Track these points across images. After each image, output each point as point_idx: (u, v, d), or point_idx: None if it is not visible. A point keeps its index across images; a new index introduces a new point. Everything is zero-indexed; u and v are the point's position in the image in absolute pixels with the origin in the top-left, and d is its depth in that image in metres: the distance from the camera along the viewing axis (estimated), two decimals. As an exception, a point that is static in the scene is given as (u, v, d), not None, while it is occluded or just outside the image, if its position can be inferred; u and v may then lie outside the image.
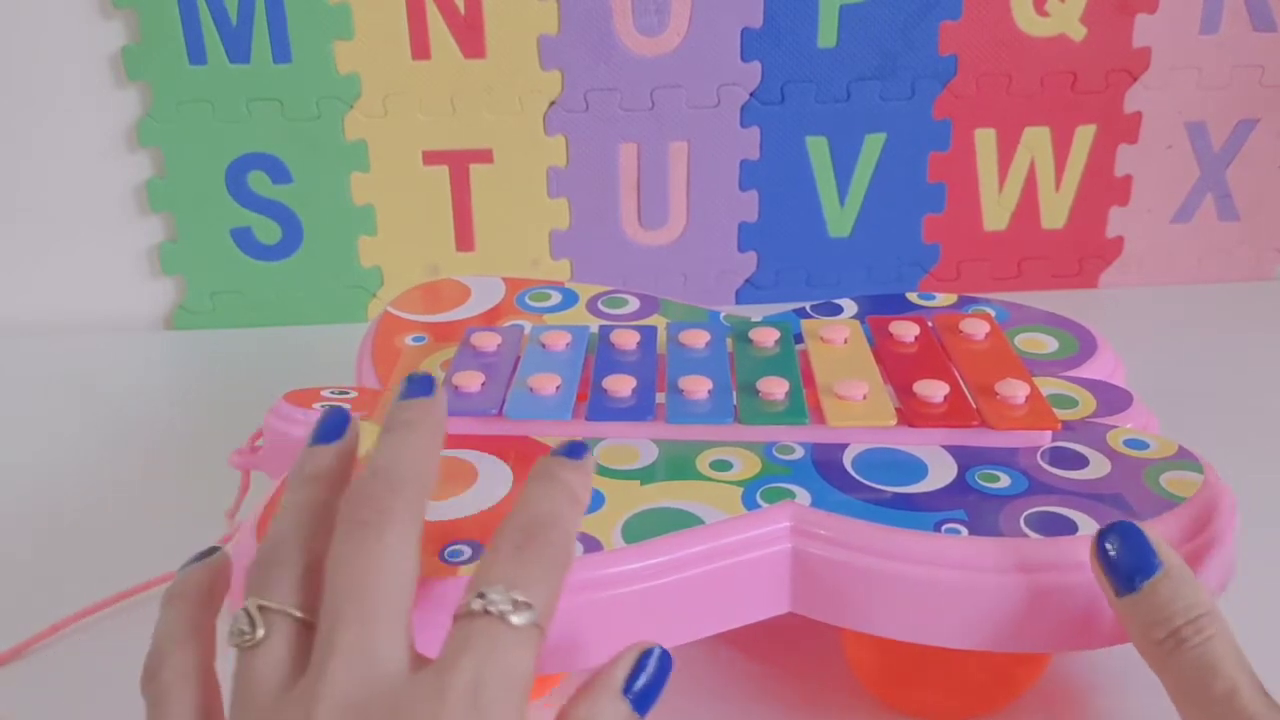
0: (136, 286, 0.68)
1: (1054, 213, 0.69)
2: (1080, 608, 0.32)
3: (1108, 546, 0.30)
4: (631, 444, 0.38)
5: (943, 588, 0.32)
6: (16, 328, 0.68)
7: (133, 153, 0.65)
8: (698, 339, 0.43)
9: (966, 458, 0.37)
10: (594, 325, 0.46)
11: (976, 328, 0.43)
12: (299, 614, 0.27)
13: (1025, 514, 0.34)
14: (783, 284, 0.70)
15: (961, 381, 0.40)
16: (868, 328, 0.44)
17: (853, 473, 0.36)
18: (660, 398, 0.40)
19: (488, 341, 0.43)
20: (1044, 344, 0.44)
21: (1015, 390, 0.38)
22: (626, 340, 0.43)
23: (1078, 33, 0.64)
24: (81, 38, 0.62)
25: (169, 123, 0.64)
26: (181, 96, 0.63)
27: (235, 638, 0.27)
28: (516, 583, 0.26)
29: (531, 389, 0.40)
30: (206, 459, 0.50)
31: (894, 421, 0.37)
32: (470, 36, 0.63)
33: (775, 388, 0.39)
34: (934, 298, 0.48)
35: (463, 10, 0.62)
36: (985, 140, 0.67)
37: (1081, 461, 0.36)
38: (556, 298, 0.49)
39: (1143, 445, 0.37)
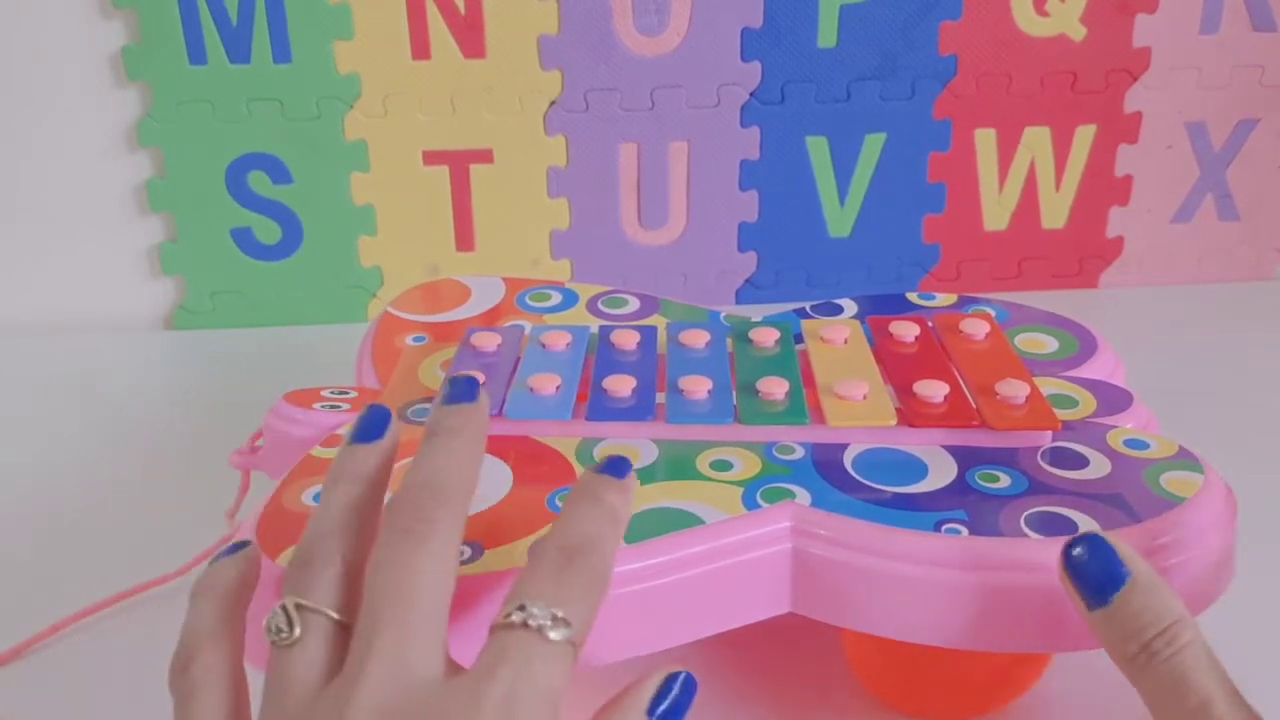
0: (136, 286, 0.68)
1: (1054, 213, 0.69)
2: (1080, 608, 0.32)
3: (1074, 559, 0.30)
4: (632, 444, 0.38)
5: (943, 588, 0.32)
6: (16, 328, 0.68)
7: (133, 153, 0.65)
8: (698, 339, 0.43)
9: (966, 458, 0.37)
10: (594, 325, 0.46)
11: (977, 328, 0.43)
12: (336, 615, 0.27)
13: (1025, 514, 0.34)
14: (783, 284, 0.70)
15: (961, 381, 0.40)
16: (868, 328, 0.44)
17: (853, 473, 0.36)
18: (660, 398, 0.40)
19: (488, 341, 0.43)
20: (1044, 344, 0.44)
21: (1015, 390, 0.38)
22: (626, 340, 0.43)
23: (1078, 33, 0.64)
24: (81, 38, 0.62)
25: (169, 123, 0.64)
26: (181, 96, 0.63)
27: (271, 635, 0.27)
28: (557, 600, 0.26)
29: (532, 389, 0.40)
30: (206, 459, 0.50)
31: (894, 421, 0.37)
32: (470, 36, 0.63)
33: (775, 388, 0.39)
34: (934, 298, 0.48)
35: (463, 10, 0.62)
36: (985, 140, 0.67)
37: (1082, 461, 0.36)
38: (556, 298, 0.49)
39: (1143, 445, 0.37)
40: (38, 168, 0.66)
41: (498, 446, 0.38)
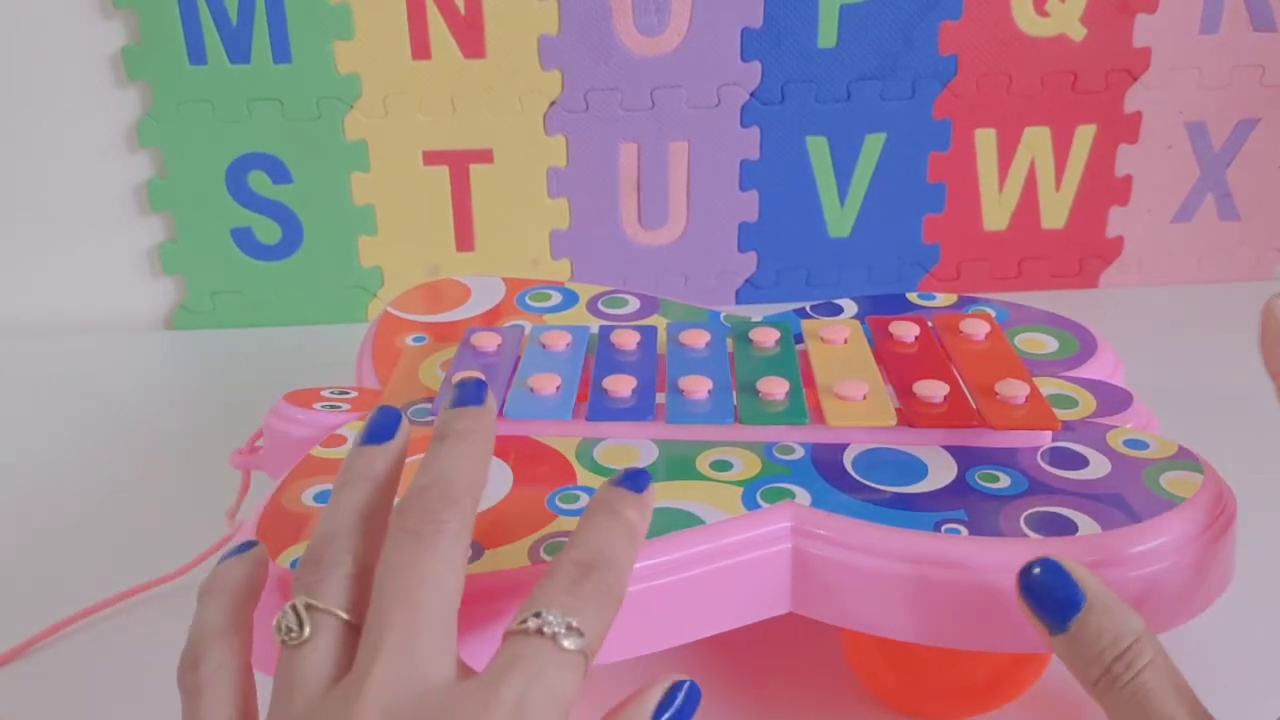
0: (136, 286, 0.68)
1: (1054, 213, 0.69)
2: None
3: (1029, 585, 0.30)
4: (632, 444, 0.38)
5: (943, 588, 0.32)
6: (16, 328, 0.68)
7: (133, 153, 0.65)
8: (698, 339, 0.43)
9: (966, 458, 0.37)
10: (594, 325, 0.46)
11: (976, 328, 0.43)
12: (345, 616, 0.27)
13: (1025, 514, 0.34)
14: (783, 284, 0.70)
15: (961, 381, 0.40)
16: (868, 328, 0.44)
17: (853, 473, 0.36)
18: (660, 398, 0.40)
19: (488, 342, 0.43)
20: (1044, 344, 0.44)
21: (1015, 390, 0.38)
22: (627, 340, 0.43)
23: (1078, 33, 0.64)
24: (81, 38, 0.62)
25: (169, 123, 0.64)
26: (182, 96, 0.63)
27: (281, 634, 0.27)
28: (571, 610, 0.27)
29: (532, 389, 0.40)
30: (206, 459, 0.50)
31: (894, 421, 0.37)
32: (470, 36, 0.63)
33: (775, 388, 0.39)
34: (934, 298, 0.48)
35: (463, 10, 0.62)
36: (985, 140, 0.67)
37: (1081, 462, 0.36)
38: (556, 298, 0.49)
39: (1143, 445, 0.37)
40: (38, 168, 0.66)
41: (498, 446, 0.38)
